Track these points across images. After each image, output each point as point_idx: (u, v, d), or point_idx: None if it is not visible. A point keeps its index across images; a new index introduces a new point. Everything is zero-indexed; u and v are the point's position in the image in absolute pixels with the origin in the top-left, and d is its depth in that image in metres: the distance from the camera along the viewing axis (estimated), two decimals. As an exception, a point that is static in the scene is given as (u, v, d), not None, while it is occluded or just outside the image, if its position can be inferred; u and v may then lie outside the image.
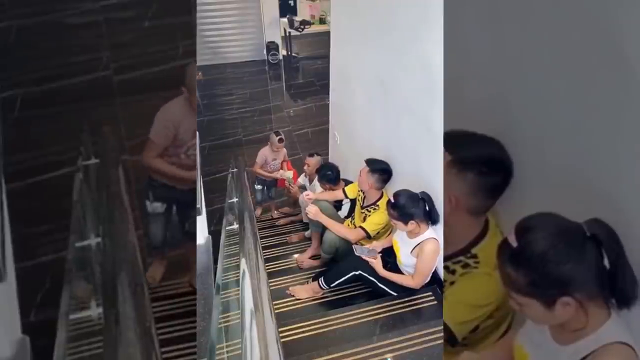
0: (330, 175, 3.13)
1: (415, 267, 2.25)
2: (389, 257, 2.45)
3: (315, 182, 3.40)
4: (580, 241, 0.95)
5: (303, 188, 3.69)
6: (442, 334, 1.49)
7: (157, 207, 2.17)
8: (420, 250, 2.19)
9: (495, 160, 1.33)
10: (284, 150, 3.97)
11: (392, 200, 2.20)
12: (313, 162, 3.60)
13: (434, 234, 2.19)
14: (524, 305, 1.01)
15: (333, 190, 3.14)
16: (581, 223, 0.97)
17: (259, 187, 4.02)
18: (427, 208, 2.16)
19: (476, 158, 1.33)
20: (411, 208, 2.15)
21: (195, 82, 1.98)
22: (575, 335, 1.00)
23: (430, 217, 2.17)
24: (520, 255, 0.98)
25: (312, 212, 2.71)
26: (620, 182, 1.07)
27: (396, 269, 2.35)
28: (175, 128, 2.00)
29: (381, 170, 2.65)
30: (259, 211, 4.21)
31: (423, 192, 2.19)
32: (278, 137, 3.74)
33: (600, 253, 0.94)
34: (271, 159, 3.87)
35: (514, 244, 0.99)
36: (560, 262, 0.94)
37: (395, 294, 2.35)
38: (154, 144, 2.03)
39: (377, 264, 2.32)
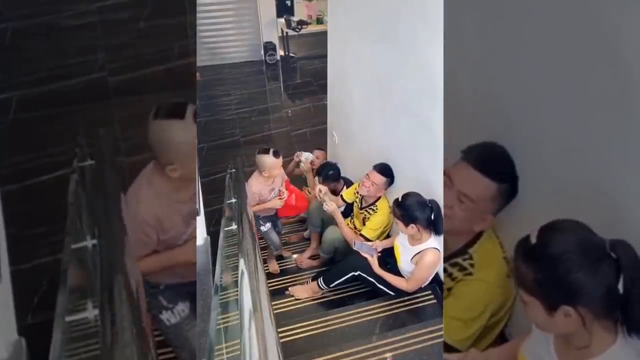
0: (333, 175, 3.10)
1: (412, 272, 2.23)
2: (389, 258, 2.44)
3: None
4: (598, 256, 0.92)
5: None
6: (441, 333, 1.49)
7: (181, 309, 1.69)
8: (420, 259, 2.17)
9: (514, 168, 1.38)
10: (281, 171, 2.75)
11: (400, 199, 2.18)
12: (322, 155, 3.53)
13: (436, 244, 2.15)
14: (528, 303, 1.00)
15: (336, 188, 3.13)
16: (605, 240, 0.94)
17: (267, 225, 2.85)
18: (432, 217, 2.12)
19: (507, 171, 1.38)
20: (415, 212, 2.11)
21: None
22: (579, 354, 0.98)
23: (435, 227, 2.14)
24: (535, 251, 0.97)
25: (331, 209, 2.69)
26: (619, 182, 1.07)
27: (395, 271, 2.34)
28: (155, 226, 1.45)
29: (392, 176, 2.63)
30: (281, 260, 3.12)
31: (432, 200, 2.14)
32: (273, 151, 2.55)
33: (617, 275, 0.91)
34: (268, 191, 2.70)
35: (534, 240, 0.97)
36: (571, 270, 0.91)
37: (393, 293, 2.34)
38: (138, 249, 1.45)
39: (373, 261, 2.32)
